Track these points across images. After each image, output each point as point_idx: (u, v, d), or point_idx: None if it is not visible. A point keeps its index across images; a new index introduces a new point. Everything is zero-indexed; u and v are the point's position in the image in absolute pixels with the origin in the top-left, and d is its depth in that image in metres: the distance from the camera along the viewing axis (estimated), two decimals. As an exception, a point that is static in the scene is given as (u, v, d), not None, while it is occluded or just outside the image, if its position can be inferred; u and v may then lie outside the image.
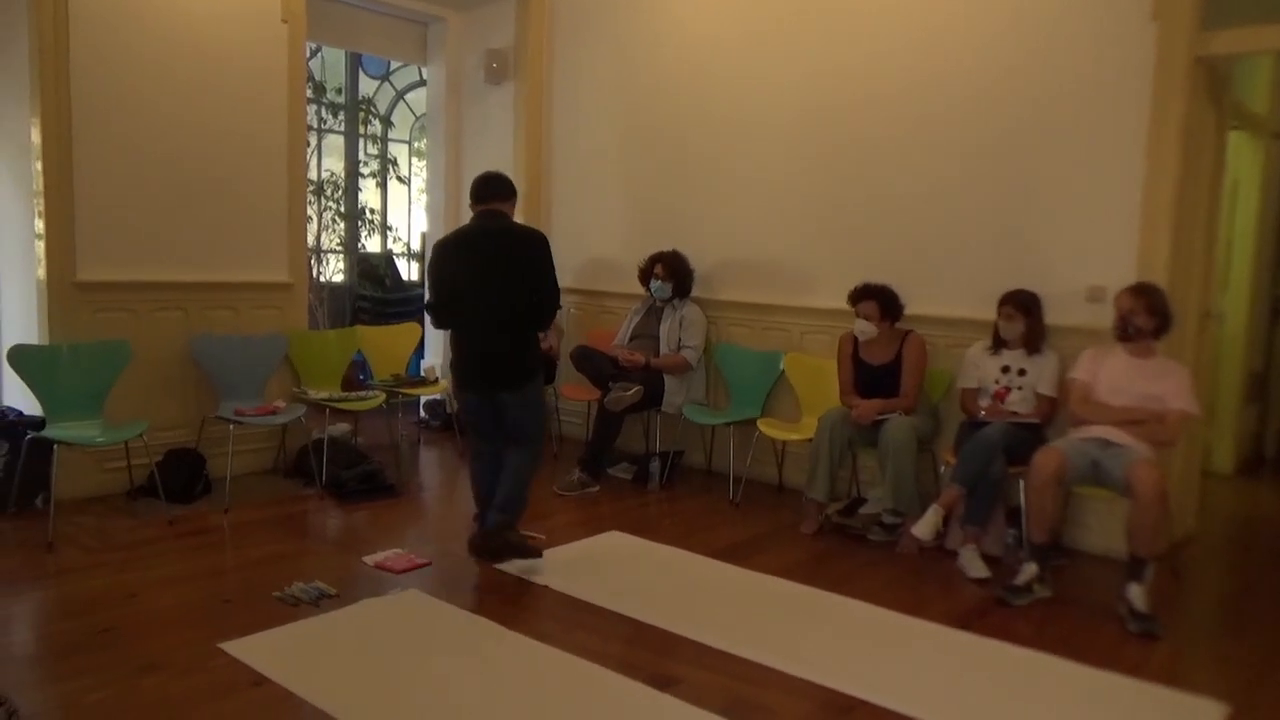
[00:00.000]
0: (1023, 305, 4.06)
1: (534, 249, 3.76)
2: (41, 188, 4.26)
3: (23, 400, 4.33)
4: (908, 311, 4.44)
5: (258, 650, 2.91)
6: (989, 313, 4.16)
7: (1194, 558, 4.28)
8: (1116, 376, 3.71)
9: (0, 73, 4.52)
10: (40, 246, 4.31)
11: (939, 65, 4.51)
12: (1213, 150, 4.28)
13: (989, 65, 4.36)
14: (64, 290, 4.35)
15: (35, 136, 4.26)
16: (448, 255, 3.81)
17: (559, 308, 3.92)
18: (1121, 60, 3.99)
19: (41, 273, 4.32)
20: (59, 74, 4.25)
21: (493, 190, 3.83)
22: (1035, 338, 4.06)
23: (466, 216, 3.93)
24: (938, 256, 4.55)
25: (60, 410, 4.18)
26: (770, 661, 2.95)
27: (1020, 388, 4.05)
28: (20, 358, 4.13)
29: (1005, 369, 4.09)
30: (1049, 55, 4.19)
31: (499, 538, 3.70)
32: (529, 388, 3.80)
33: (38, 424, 4.14)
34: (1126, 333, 3.70)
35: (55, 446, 3.99)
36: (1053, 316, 4.11)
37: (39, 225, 4.30)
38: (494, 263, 3.70)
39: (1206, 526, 4.67)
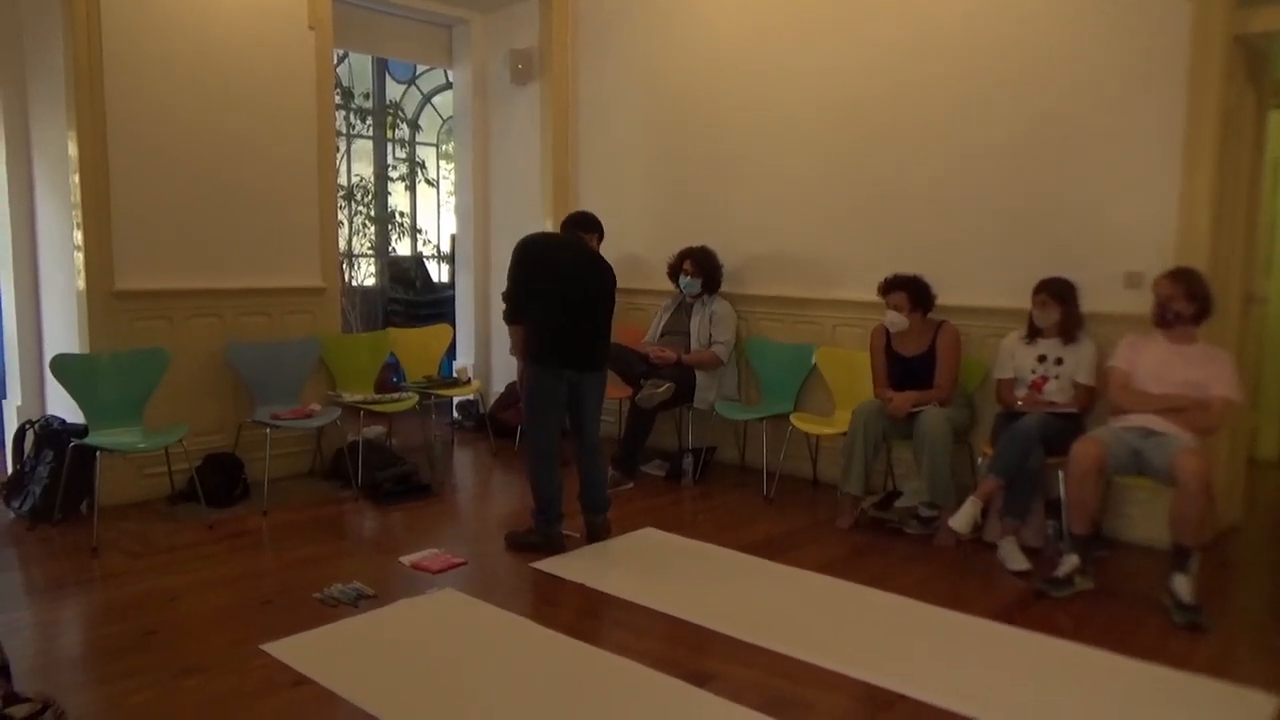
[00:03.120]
0: (1058, 293, 3.99)
1: (612, 279, 4.06)
2: (79, 200, 4.34)
3: (66, 409, 4.42)
4: (941, 302, 4.39)
5: (298, 650, 2.95)
6: (1024, 301, 4.10)
7: (1240, 547, 4.20)
8: (1157, 363, 3.64)
9: (37, 88, 4.62)
10: (79, 258, 4.39)
11: (968, 51, 4.45)
12: (1253, 130, 4.19)
13: (1020, 49, 4.30)
14: (103, 300, 4.43)
15: (72, 149, 4.33)
16: (535, 252, 3.97)
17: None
18: (1156, 41, 3.91)
19: (81, 283, 4.40)
20: (94, 87, 4.32)
21: (588, 225, 4.20)
22: (1071, 326, 4.00)
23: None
24: (971, 245, 4.50)
25: (102, 418, 4.25)
26: (808, 657, 2.93)
27: (1057, 377, 3.99)
28: (62, 367, 4.21)
29: (1041, 358, 4.03)
30: (1082, 37, 4.12)
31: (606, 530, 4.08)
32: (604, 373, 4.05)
33: (80, 432, 4.21)
34: (1166, 319, 3.63)
35: (98, 453, 4.07)
36: (1089, 304, 4.04)
37: (77, 237, 4.38)
38: (581, 269, 3.96)
39: (1253, 515, 4.57)
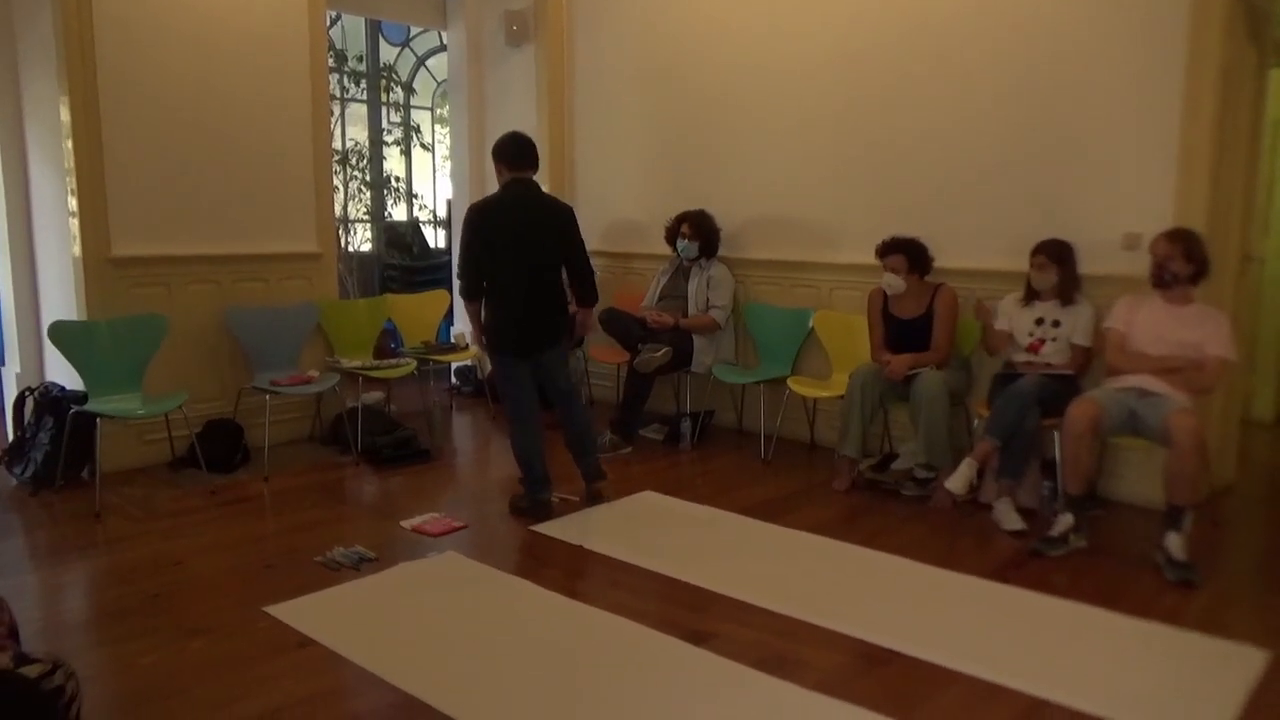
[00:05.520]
0: (1056, 255, 3.99)
1: (568, 221, 3.97)
2: (73, 166, 4.31)
3: (65, 376, 4.43)
4: (938, 264, 4.39)
5: (301, 613, 2.98)
6: (1021, 263, 4.09)
7: (1233, 507, 4.24)
8: (1153, 324, 3.65)
9: (28, 53, 4.57)
10: (74, 224, 4.37)
11: (966, 11, 4.40)
12: (1252, 90, 4.17)
13: (1018, 8, 4.25)
14: (99, 266, 4.41)
15: (64, 115, 4.30)
16: (484, 223, 3.87)
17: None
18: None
19: (77, 250, 4.39)
20: (85, 53, 4.27)
21: (530, 159, 3.93)
22: (1069, 288, 4.00)
23: (491, 180, 3.98)
24: (968, 207, 4.48)
25: (101, 385, 4.26)
26: (805, 616, 2.97)
27: (1055, 339, 4.00)
28: (60, 334, 4.21)
29: (1039, 321, 4.04)
30: (1081, -4, 4.09)
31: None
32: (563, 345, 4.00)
33: (80, 399, 4.22)
34: (1163, 279, 3.63)
35: (98, 420, 4.08)
36: (1087, 265, 4.03)
37: (72, 203, 4.36)
38: (533, 230, 3.85)
39: (1246, 475, 4.60)
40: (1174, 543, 3.34)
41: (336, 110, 7.16)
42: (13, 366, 4.95)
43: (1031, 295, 4.07)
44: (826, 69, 4.91)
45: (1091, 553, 3.54)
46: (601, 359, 5.67)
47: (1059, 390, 3.81)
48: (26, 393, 4.45)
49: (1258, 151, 4.43)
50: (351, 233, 7.60)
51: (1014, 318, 4.11)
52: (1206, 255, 3.60)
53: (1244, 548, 3.84)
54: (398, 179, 8.00)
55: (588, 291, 4.06)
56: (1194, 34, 3.78)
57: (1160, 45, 3.87)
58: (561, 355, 4.05)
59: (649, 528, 3.87)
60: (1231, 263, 4.16)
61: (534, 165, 3.93)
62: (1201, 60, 3.77)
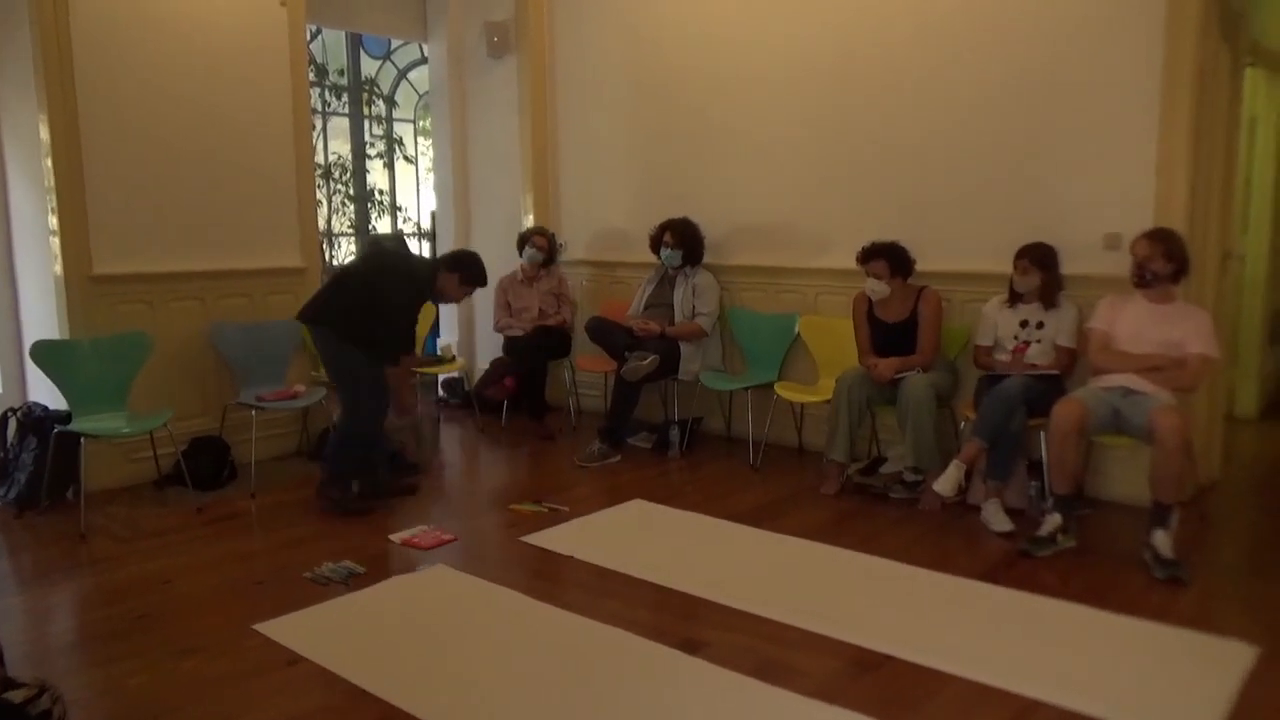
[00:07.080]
0: (1040, 259, 4.00)
1: (396, 288, 4.15)
2: (53, 184, 4.28)
3: (48, 395, 4.39)
4: (922, 267, 4.40)
5: (291, 630, 2.96)
6: (1004, 265, 4.11)
7: (1219, 503, 4.26)
8: (1136, 323, 3.67)
9: (5, 71, 4.53)
10: (55, 242, 4.34)
11: (944, 14, 4.44)
12: (1229, 89, 4.21)
13: (996, 11, 4.29)
14: (81, 285, 4.38)
15: (44, 133, 4.27)
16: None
17: (396, 355, 4.27)
18: (1132, 1, 3.91)
19: (58, 268, 4.36)
20: (63, 71, 4.25)
21: (437, 258, 4.58)
22: (1052, 291, 4.02)
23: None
24: (951, 210, 4.51)
25: (85, 404, 4.22)
26: (798, 622, 2.97)
27: (1039, 341, 4.02)
28: (43, 353, 4.17)
29: (1024, 323, 4.06)
30: (1057, 1, 4.11)
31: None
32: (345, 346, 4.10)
33: (64, 418, 4.19)
34: (1144, 279, 3.66)
35: (82, 440, 4.04)
36: (1069, 266, 4.06)
37: (52, 221, 4.33)
38: (370, 267, 4.32)
39: (1231, 471, 4.64)
40: (1161, 540, 3.36)
41: (318, 124, 7.15)
42: (-6, 387, 4.91)
43: (1015, 298, 4.10)
44: (809, 77, 4.93)
45: (1080, 552, 3.56)
46: (588, 368, 5.67)
47: (1044, 391, 3.83)
48: (9, 413, 4.41)
49: (1235, 150, 4.48)
50: (336, 247, 7.58)
51: (998, 320, 4.13)
52: (1186, 254, 3.64)
53: (1231, 543, 3.86)
54: (381, 192, 7.98)
55: (380, 350, 4.14)
56: (1170, 36, 3.82)
57: (1137, 47, 3.91)
58: (322, 351, 4.23)
59: (639, 536, 3.87)
60: (1212, 260, 4.20)
61: (452, 270, 4.32)
62: (1178, 62, 3.81)
